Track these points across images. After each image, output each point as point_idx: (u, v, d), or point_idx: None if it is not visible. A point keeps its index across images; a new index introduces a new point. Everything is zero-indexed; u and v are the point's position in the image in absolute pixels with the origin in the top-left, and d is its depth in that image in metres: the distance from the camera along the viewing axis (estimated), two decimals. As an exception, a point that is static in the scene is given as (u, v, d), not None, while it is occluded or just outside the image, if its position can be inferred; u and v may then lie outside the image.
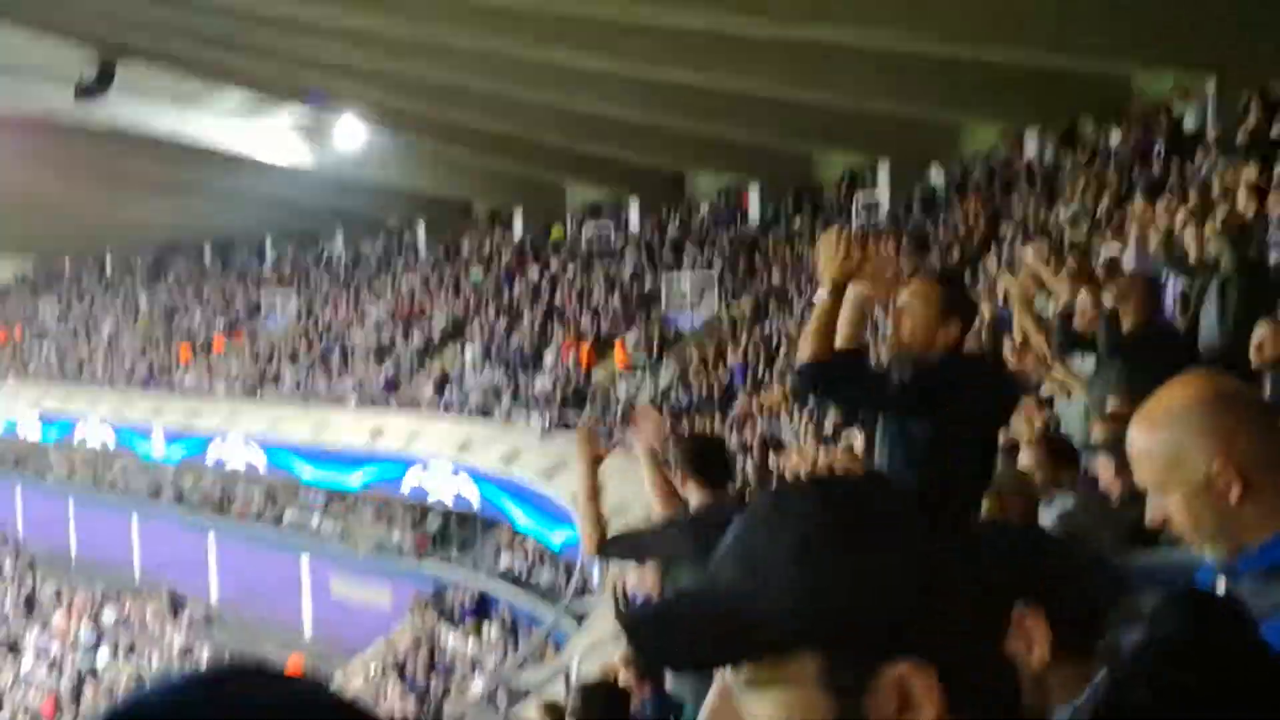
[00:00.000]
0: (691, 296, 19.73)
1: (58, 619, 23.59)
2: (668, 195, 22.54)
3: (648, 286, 20.56)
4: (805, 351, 2.81)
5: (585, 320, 20.35)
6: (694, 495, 3.41)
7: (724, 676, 0.74)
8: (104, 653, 21.77)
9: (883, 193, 18.31)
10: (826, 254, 2.77)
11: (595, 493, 3.47)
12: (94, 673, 21.07)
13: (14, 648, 23.10)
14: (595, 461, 3.52)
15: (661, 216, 22.30)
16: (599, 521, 3.41)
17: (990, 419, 3.08)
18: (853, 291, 2.79)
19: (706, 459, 3.50)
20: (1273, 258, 5.30)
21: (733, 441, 14.43)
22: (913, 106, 16.27)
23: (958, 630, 0.70)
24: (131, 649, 21.84)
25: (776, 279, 18.33)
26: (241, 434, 22.52)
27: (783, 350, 15.94)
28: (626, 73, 16.12)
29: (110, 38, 18.52)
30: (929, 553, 0.72)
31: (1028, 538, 1.44)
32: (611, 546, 3.43)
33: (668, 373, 17.83)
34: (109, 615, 23.05)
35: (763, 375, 15.97)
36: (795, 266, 18.05)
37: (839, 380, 2.85)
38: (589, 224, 23.61)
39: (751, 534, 0.73)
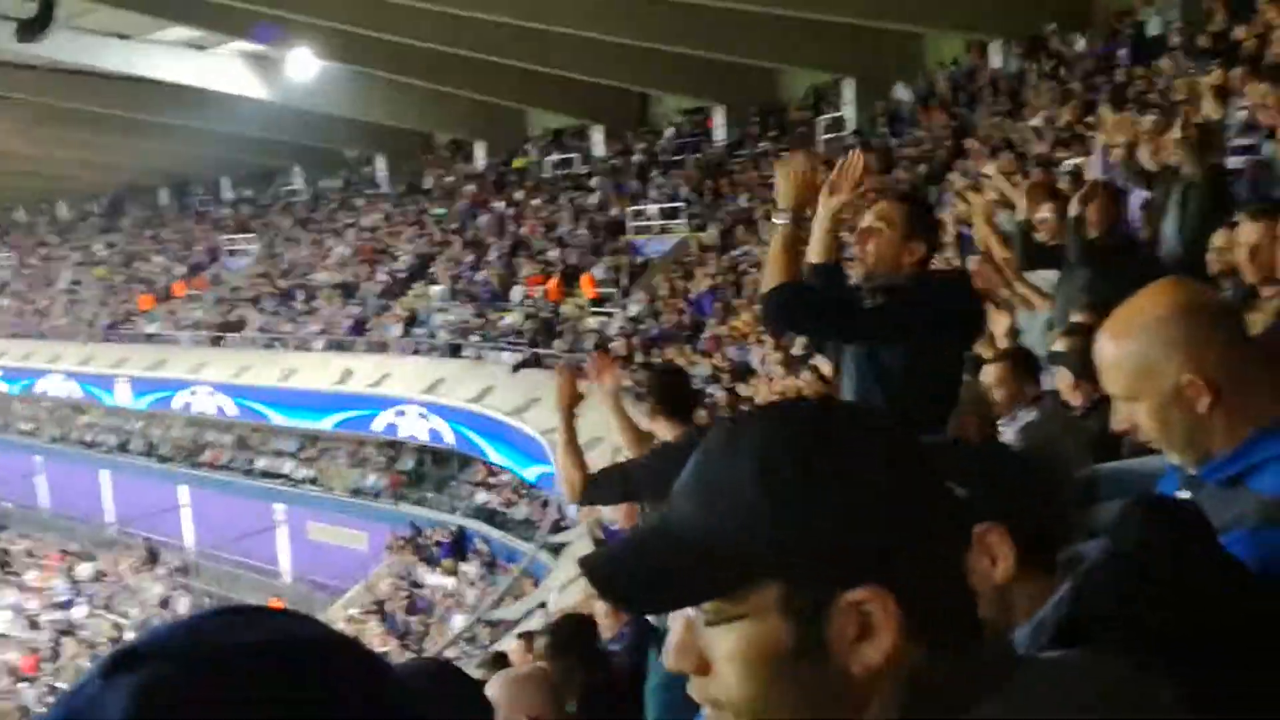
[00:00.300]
0: (658, 223, 19.47)
1: (32, 576, 23.47)
2: (632, 120, 22.09)
3: (614, 215, 20.25)
4: (766, 281, 2.75)
5: (552, 253, 20.06)
6: (663, 428, 3.37)
7: (687, 611, 0.74)
8: (81, 608, 21.74)
9: (848, 110, 17.99)
10: (785, 176, 2.73)
11: (574, 437, 3.35)
12: (72, 628, 21.04)
13: (-10, 605, 23.01)
14: (573, 404, 3.40)
15: (626, 142, 21.87)
16: (581, 467, 3.31)
17: (960, 339, 3.04)
18: (825, 205, 2.76)
19: (672, 391, 3.44)
20: (1233, 162, 5.17)
21: (703, 370, 14.36)
22: (876, 20, 15.91)
23: (917, 555, 0.70)
24: (109, 603, 21.81)
25: (744, 202, 18.07)
26: (209, 381, 22.25)
27: (751, 276, 15.78)
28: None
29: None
30: (886, 476, 0.71)
31: (987, 454, 1.43)
32: (594, 491, 3.34)
33: (637, 303, 17.64)
34: (84, 570, 22.96)
35: (732, 302, 15.82)
36: (762, 189, 17.79)
37: (805, 310, 2.78)
38: (553, 152, 23.16)
39: (707, 465, 0.73)
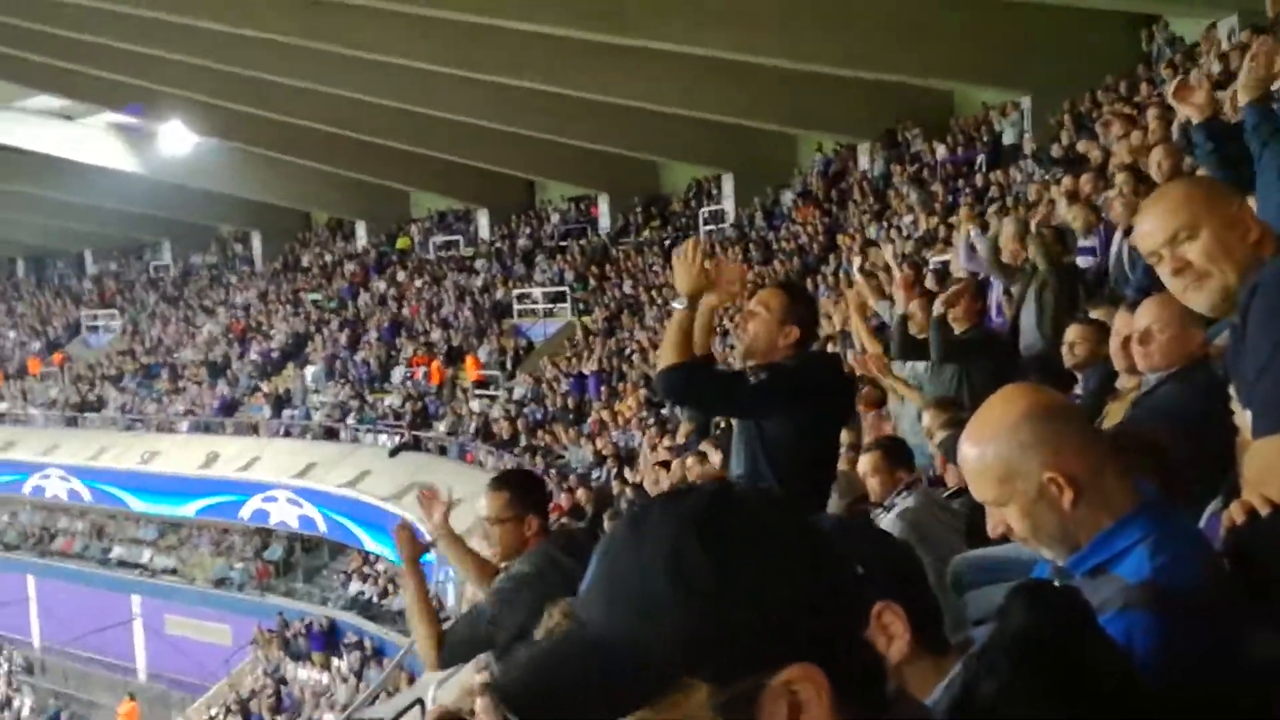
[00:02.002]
0: (544, 306, 19.57)
1: None
2: (518, 204, 22.31)
3: (499, 297, 20.25)
4: (665, 359, 2.91)
5: (435, 333, 19.87)
6: (534, 535, 3.13)
7: None
8: (-96, 712, 19.78)
9: (728, 203, 18.63)
10: (682, 267, 2.89)
11: (425, 595, 3.12)
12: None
13: None
14: (416, 556, 3.18)
15: (512, 226, 22.03)
16: (435, 627, 3.05)
17: (837, 416, 3.23)
18: (703, 301, 2.92)
19: (538, 489, 3.32)
20: (1082, 262, 5.58)
21: (588, 453, 14.33)
22: (753, 119, 16.65)
23: (834, 629, 0.70)
24: (-62, 705, 19.92)
25: (627, 288, 18.36)
26: (62, 464, 20.97)
27: (635, 359, 15.96)
28: (474, 76, 15.85)
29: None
30: (796, 555, 0.70)
31: (876, 536, 1.46)
32: (453, 651, 3.08)
33: (521, 386, 17.57)
34: (-89, 670, 20.98)
35: (616, 385, 15.93)
36: (645, 276, 18.15)
37: (698, 385, 2.96)
38: (437, 234, 23.12)
39: (613, 563, 0.71)
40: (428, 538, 3.38)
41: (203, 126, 20.03)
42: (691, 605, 0.67)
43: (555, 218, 21.84)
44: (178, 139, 20.63)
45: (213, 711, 17.11)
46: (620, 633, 0.68)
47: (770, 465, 2.91)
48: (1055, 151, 11.21)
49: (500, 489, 3.11)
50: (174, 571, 20.32)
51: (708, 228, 18.35)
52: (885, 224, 13.71)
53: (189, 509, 19.36)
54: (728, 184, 18.71)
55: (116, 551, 21.23)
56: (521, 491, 3.13)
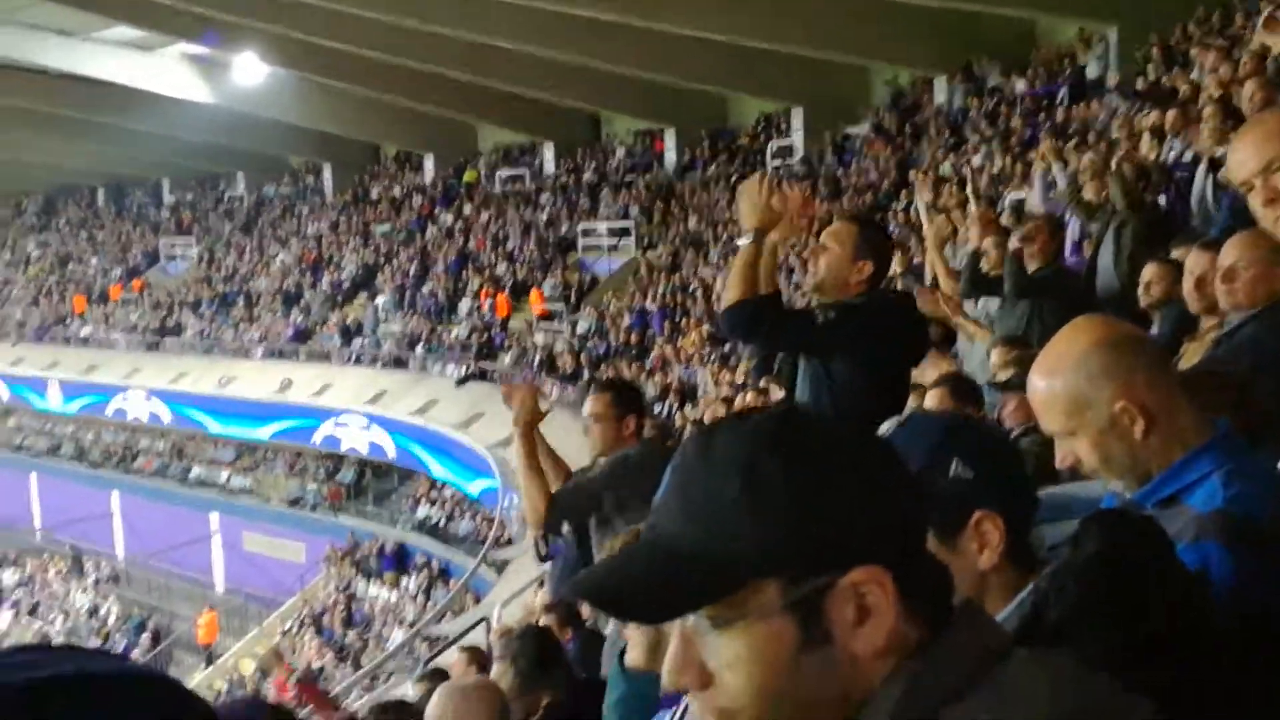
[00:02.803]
0: (608, 242, 19.60)
1: (-47, 582, 22.70)
2: (583, 139, 22.23)
3: (564, 232, 20.33)
4: (729, 296, 2.85)
5: (501, 267, 20.06)
6: (630, 436, 3.28)
7: (684, 622, 0.74)
8: (5, 615, 21.06)
9: (797, 138, 18.34)
10: (749, 201, 2.81)
11: (535, 458, 3.18)
12: (-6, 636, 20.37)
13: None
14: (533, 421, 3.24)
15: (577, 160, 22.00)
16: (545, 489, 3.14)
17: (907, 358, 3.14)
18: (769, 236, 2.84)
19: (637, 395, 3.51)
20: (1164, 200, 5.44)
21: (650, 389, 14.48)
22: (826, 51, 16.28)
23: (902, 536, 0.73)
24: (35, 610, 21.15)
25: (692, 224, 18.29)
26: (143, 386, 21.77)
27: (699, 296, 15.97)
28: (542, 9, 15.74)
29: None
30: (861, 465, 0.74)
31: (986, 434, 1.45)
32: (559, 512, 3.18)
33: (585, 320, 17.72)
34: (9, 577, 22.26)
35: (679, 321, 15.98)
36: (711, 212, 18.04)
37: (763, 323, 2.88)
38: (503, 167, 23.19)
39: (686, 476, 0.74)
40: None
41: (275, 57, 20.22)
42: (761, 510, 0.71)
43: (620, 152, 21.73)
44: (250, 70, 20.87)
45: (287, 624, 17.92)
46: (691, 536, 0.72)
47: (835, 405, 2.87)
48: (1141, 85, 10.83)
49: (603, 390, 3.36)
50: (250, 491, 21.13)
51: (775, 163, 18.11)
52: (960, 160, 13.41)
53: (264, 432, 20.02)
54: (797, 118, 18.39)
55: (196, 471, 22.12)
56: (622, 394, 3.36)
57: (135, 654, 18.88)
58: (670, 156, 20.67)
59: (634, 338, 16.35)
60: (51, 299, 27.20)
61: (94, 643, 19.40)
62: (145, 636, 19.37)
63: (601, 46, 16.98)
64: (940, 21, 14.94)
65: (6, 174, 32.41)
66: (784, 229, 2.89)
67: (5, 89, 23.15)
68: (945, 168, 13.38)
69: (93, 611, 20.48)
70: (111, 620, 20.11)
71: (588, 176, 21.55)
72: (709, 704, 0.74)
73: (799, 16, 14.89)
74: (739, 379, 12.37)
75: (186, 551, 21.14)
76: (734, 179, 18.19)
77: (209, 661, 18.52)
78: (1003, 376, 4.06)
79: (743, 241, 2.86)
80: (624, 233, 19.39)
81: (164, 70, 22.00)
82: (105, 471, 23.41)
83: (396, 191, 24.57)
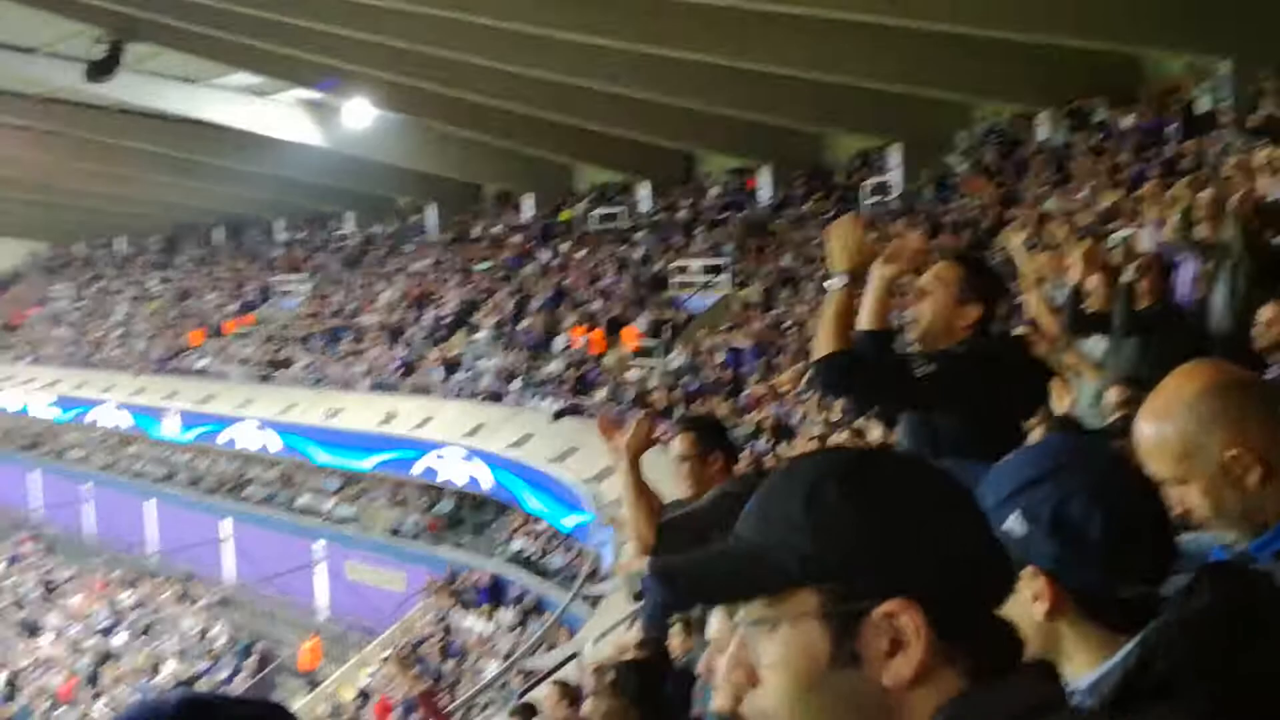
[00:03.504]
0: (702, 279, 19.73)
1: (76, 601, 23.86)
2: (678, 177, 22.50)
3: (657, 269, 20.55)
4: (821, 346, 2.70)
5: (595, 303, 20.36)
6: (713, 478, 3.28)
7: (740, 625, 0.82)
8: (121, 636, 22.02)
9: (894, 175, 18.22)
10: (838, 241, 2.69)
11: (645, 488, 3.12)
12: (111, 655, 21.31)
13: (33, 630, 23.38)
14: (642, 450, 3.18)
15: (671, 198, 22.26)
16: (652, 519, 3.08)
17: (1017, 406, 2.95)
18: (878, 271, 2.71)
19: (721, 431, 3.55)
20: (1280, 240, 5.27)
21: (743, 427, 14.46)
22: (925, 87, 16.18)
23: (949, 578, 0.76)
24: (148, 631, 22.07)
25: (787, 261, 18.29)
26: (255, 417, 22.64)
27: (793, 334, 15.93)
28: (637, 51, 16.07)
29: (119, 18, 18.53)
30: (922, 504, 0.79)
31: (1108, 467, 1.36)
32: (667, 544, 3.08)
33: (678, 357, 17.83)
34: (126, 598, 23.30)
35: (773, 359, 15.95)
36: (805, 249, 18.01)
37: (855, 377, 2.72)
38: (598, 206, 23.61)
39: (767, 493, 0.83)
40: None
41: (384, 101, 21.07)
42: (816, 528, 0.78)
43: (715, 190, 21.91)
44: (360, 114, 21.77)
45: (386, 653, 18.29)
46: (757, 540, 0.81)
47: (934, 455, 2.68)
48: (1254, 120, 10.49)
49: (687, 429, 3.36)
50: (354, 520, 21.74)
51: (871, 200, 18.03)
52: (1065, 197, 13.15)
53: (367, 463, 20.60)
54: (894, 155, 18.28)
55: (302, 499, 22.89)
56: (705, 432, 3.37)
57: (241, 677, 19.55)
58: (764, 194, 20.75)
59: (727, 374, 16.38)
60: (171, 332, 28.61)
61: (203, 664, 20.14)
62: (252, 660, 20.02)
63: (695, 86, 17.22)
64: (1042, 55, 14.72)
65: (132, 214, 34.42)
66: (899, 266, 2.72)
67: (132, 133, 24.64)
68: (1049, 204, 13.14)
69: (203, 634, 21.25)
70: (220, 643, 20.84)
71: (682, 214, 21.78)
72: (754, 705, 0.80)
73: (895, 52, 14.84)
74: (835, 416, 12.29)
75: (292, 578, 21.84)
76: (829, 216, 18.19)
77: (312, 687, 19.03)
78: (1115, 416, 3.98)
79: (832, 284, 2.71)
80: (717, 270, 19.50)
81: (279, 115, 23.11)
82: (217, 499, 24.39)
83: (496, 230, 25.22)
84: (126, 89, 20.69)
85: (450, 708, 13.20)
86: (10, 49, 20.45)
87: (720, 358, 16.90)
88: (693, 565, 0.85)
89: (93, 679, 20.58)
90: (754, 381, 15.64)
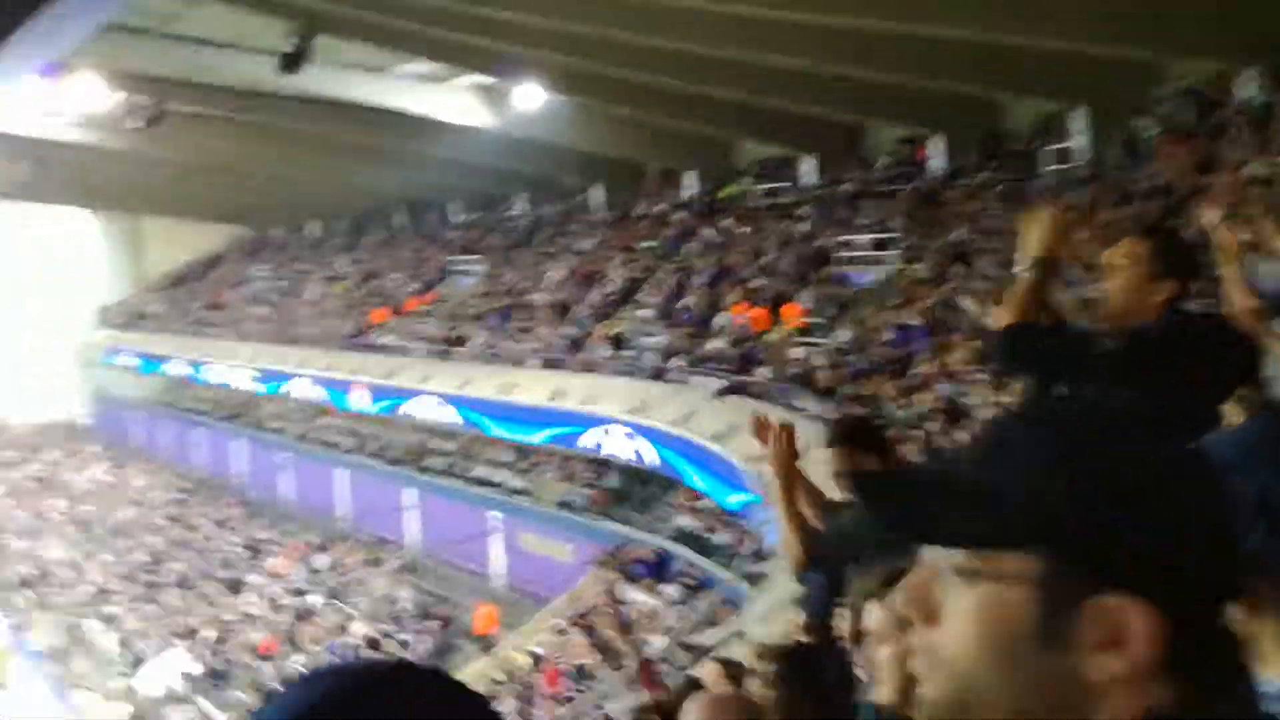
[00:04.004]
0: (869, 254, 19.26)
1: (275, 562, 25.86)
2: (844, 149, 21.96)
3: (823, 244, 20.20)
4: (1003, 317, 2.63)
5: (758, 280, 20.23)
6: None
7: (936, 558, 0.74)
8: (316, 596, 23.71)
9: (1078, 140, 17.17)
10: (1035, 232, 2.60)
11: (794, 499, 3.11)
12: (307, 614, 22.99)
13: (237, 588, 25.51)
14: (791, 461, 3.17)
15: (837, 172, 21.78)
16: (803, 532, 3.07)
17: (1218, 387, 2.71)
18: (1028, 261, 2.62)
19: (874, 433, 3.46)
20: None
21: (911, 408, 14.09)
22: (1113, 46, 15.13)
23: (1194, 583, 0.68)
24: (340, 593, 23.66)
25: (959, 235, 17.59)
26: (435, 391, 23.74)
27: (965, 310, 15.36)
28: (799, 20, 15.74)
29: (307, 11, 19.65)
30: (1192, 495, 0.70)
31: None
32: (820, 559, 3.08)
33: (843, 334, 17.51)
34: (320, 561, 25.04)
35: (944, 337, 15.43)
36: (979, 222, 17.28)
37: (1034, 351, 2.63)
38: (762, 181, 23.37)
39: (1012, 429, 0.74)
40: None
41: (553, 84, 21.52)
42: (1068, 486, 0.68)
43: (882, 161, 21.29)
44: (530, 97, 22.32)
45: (556, 621, 18.96)
46: (991, 479, 0.70)
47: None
48: None
49: (841, 441, 3.25)
50: (525, 492, 22.57)
51: (1053, 168, 17.08)
52: (1267, 161, 12.07)
53: (538, 437, 21.29)
54: (1078, 120, 17.22)
55: (478, 471, 23.92)
56: (857, 440, 3.28)
57: (423, 640, 20.71)
58: (935, 164, 20.00)
59: (895, 353, 15.97)
60: (358, 310, 30.36)
61: (389, 626, 21.45)
62: (433, 623, 21.17)
63: (861, 54, 16.69)
64: (1242, 8, 13.47)
65: (323, 199, 36.63)
66: (1069, 248, 2.64)
67: (321, 122, 26.13)
68: (1251, 169, 12.10)
69: (389, 598, 22.61)
70: (405, 606, 22.12)
71: (848, 187, 21.29)
72: (927, 642, 0.73)
73: (1077, 9, 13.93)
74: (1010, 398, 11.80)
75: (470, 546, 22.93)
76: (1005, 186, 17.34)
77: (487, 651, 19.97)
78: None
79: (1022, 270, 2.62)
80: (885, 244, 18.98)
81: (455, 100, 23.99)
82: (401, 469, 25.82)
83: (659, 208, 25.39)
84: (315, 80, 21.91)
85: (611, 683, 13.58)
86: (212, 44, 22.05)
87: (888, 336, 16.49)
88: (900, 497, 0.74)
89: (291, 636, 22.27)
90: (923, 361, 15.20)
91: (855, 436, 3.39)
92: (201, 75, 24.26)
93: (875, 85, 18.18)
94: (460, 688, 0.68)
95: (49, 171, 32.81)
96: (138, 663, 23.51)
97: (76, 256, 46.31)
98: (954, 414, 13.29)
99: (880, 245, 19.04)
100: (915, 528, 0.74)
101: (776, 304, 19.27)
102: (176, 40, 21.79)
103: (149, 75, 24.37)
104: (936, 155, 19.91)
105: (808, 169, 22.41)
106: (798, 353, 17.75)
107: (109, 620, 25.94)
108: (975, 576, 0.70)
